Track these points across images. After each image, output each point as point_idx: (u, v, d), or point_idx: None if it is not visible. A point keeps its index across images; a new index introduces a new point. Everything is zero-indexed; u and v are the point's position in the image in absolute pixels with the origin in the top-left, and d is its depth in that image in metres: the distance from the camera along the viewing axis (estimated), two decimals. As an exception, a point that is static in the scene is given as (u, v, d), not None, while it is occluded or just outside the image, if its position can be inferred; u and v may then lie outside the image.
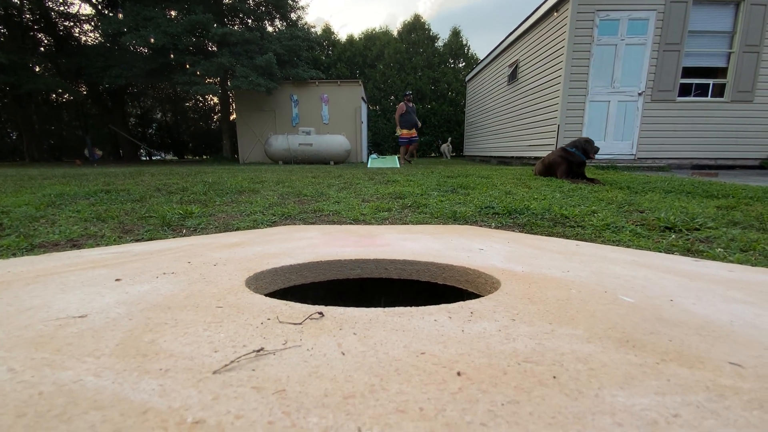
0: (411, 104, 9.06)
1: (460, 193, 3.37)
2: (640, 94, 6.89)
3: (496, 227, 2.11)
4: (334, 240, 1.11)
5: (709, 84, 7.03)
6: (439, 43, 21.81)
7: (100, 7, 15.90)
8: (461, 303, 0.54)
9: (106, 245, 1.73)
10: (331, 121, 13.36)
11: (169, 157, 25.47)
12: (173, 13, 13.69)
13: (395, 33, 21.86)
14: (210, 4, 13.55)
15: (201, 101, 24.57)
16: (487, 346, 0.40)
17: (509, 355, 0.38)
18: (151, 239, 1.87)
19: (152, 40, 12.12)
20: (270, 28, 15.71)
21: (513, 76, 9.41)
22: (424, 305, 0.53)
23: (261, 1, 14.99)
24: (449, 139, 18.00)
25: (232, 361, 0.36)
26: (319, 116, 13.40)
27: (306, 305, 0.53)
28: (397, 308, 0.52)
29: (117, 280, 0.67)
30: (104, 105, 17.90)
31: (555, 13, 7.14)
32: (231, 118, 16.94)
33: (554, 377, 0.33)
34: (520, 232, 1.96)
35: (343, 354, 0.38)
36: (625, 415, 0.28)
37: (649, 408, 0.29)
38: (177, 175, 5.63)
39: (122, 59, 13.25)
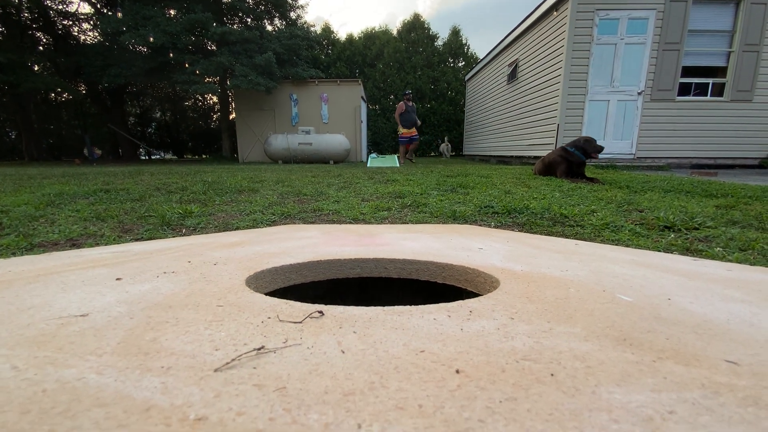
0: (411, 103, 9.05)
1: (459, 193, 3.37)
2: (639, 94, 6.90)
3: (496, 226, 2.11)
4: (334, 239, 1.11)
5: (708, 83, 7.04)
6: (439, 43, 21.81)
7: (99, 5, 15.87)
8: (460, 302, 0.55)
9: (106, 245, 1.74)
10: (330, 120, 13.36)
11: (168, 156, 25.45)
12: (172, 12, 13.67)
13: (395, 32, 21.86)
14: (209, 3, 13.54)
15: (200, 100, 24.55)
16: (485, 344, 0.40)
17: (507, 353, 0.38)
18: (150, 239, 1.87)
19: (151, 39, 12.11)
20: (269, 27, 15.70)
21: (513, 76, 9.41)
22: (424, 304, 0.54)
23: (260, 0, 14.97)
24: (446, 138, 18.01)
25: (233, 359, 0.36)
26: (319, 115, 13.39)
27: (306, 304, 0.53)
28: (396, 307, 0.52)
29: (117, 279, 0.68)
30: (103, 104, 17.88)
31: (555, 12, 7.14)
32: (230, 117, 16.93)
33: (552, 375, 0.34)
34: (519, 231, 1.97)
35: (343, 352, 0.38)
36: (621, 412, 0.28)
37: (645, 405, 0.29)
38: (176, 175, 5.63)
39: (121, 58, 13.23)
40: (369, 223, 2.21)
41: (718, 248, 1.60)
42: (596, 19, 6.64)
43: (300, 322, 0.47)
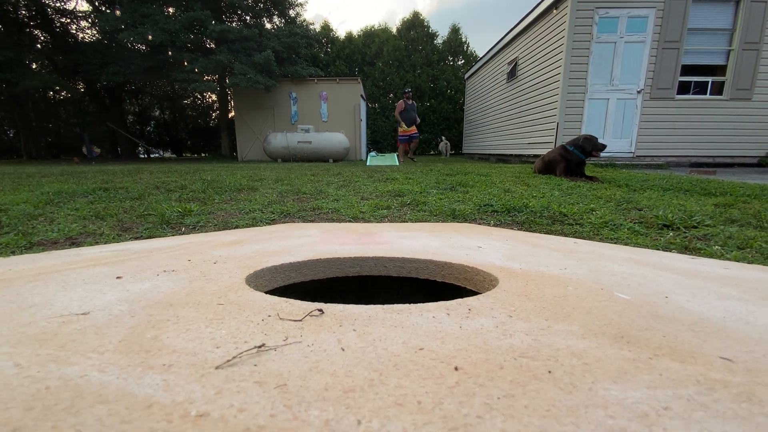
0: (410, 101, 9.04)
1: (459, 191, 3.37)
2: (639, 92, 6.90)
3: (495, 225, 2.12)
4: (334, 238, 1.12)
5: (707, 82, 7.04)
6: (438, 41, 21.77)
7: (97, 3, 15.81)
8: (459, 300, 0.55)
9: (105, 243, 1.74)
10: (330, 118, 13.35)
11: (167, 154, 25.41)
12: (171, 9, 13.63)
13: (394, 30, 21.82)
14: (208, 0, 13.49)
15: (199, 99, 24.50)
16: (484, 341, 0.41)
17: (506, 350, 0.39)
18: (150, 237, 1.87)
19: (150, 37, 12.07)
20: (268, 25, 15.65)
21: (512, 74, 9.41)
22: (423, 302, 0.54)
23: (259, -2, 14.94)
24: (443, 137, 18.01)
25: (234, 357, 0.37)
26: (318, 114, 13.38)
27: (306, 302, 0.54)
28: (396, 305, 0.53)
29: (118, 277, 0.68)
30: (102, 102, 17.83)
31: (554, 11, 7.13)
32: (229, 115, 16.89)
33: (549, 372, 0.34)
34: (518, 229, 1.97)
35: (343, 350, 0.39)
36: (617, 408, 0.28)
37: (641, 401, 0.29)
38: (176, 173, 5.62)
39: (120, 56, 13.20)
40: (368, 221, 2.21)
41: (717, 246, 1.60)
42: (596, 18, 6.64)
43: (300, 320, 0.47)
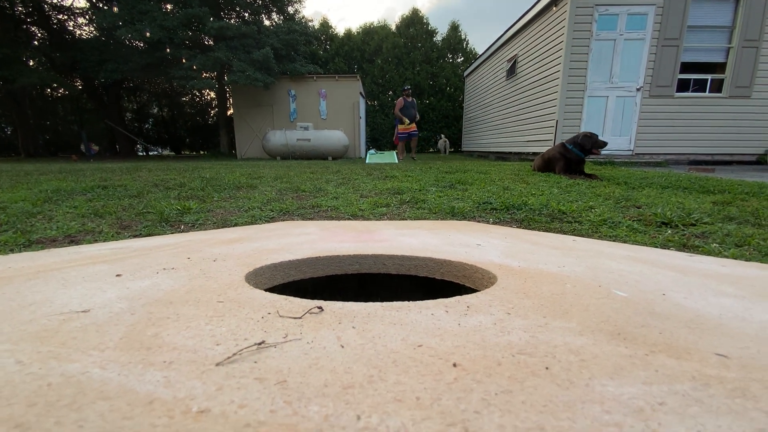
0: (410, 99, 9.01)
1: (458, 189, 3.38)
2: (638, 90, 6.90)
3: (494, 223, 2.12)
4: (333, 235, 1.12)
5: (707, 79, 7.04)
6: (438, 38, 21.69)
7: (94, 0, 15.71)
8: (458, 297, 0.55)
9: (105, 241, 1.74)
10: (329, 116, 13.32)
11: (166, 152, 25.34)
12: (169, 6, 13.55)
13: (393, 27, 21.73)
14: (206, -3, 13.42)
15: (198, 96, 24.41)
16: (482, 338, 0.41)
17: (504, 347, 0.39)
18: (149, 235, 1.87)
19: (148, 33, 12.01)
20: (267, 22, 15.58)
21: (512, 71, 9.39)
22: (422, 300, 0.54)
23: (258, -5, 14.86)
24: (442, 135, 17.98)
25: (234, 354, 0.37)
26: (317, 111, 13.34)
27: (305, 300, 0.54)
28: (395, 303, 0.53)
29: (117, 275, 0.68)
30: (100, 100, 17.76)
31: (554, 8, 7.11)
32: (228, 113, 16.84)
33: (547, 368, 0.34)
34: (517, 227, 1.97)
35: (343, 347, 0.39)
36: (613, 404, 0.29)
37: (637, 397, 0.30)
38: (174, 171, 5.61)
39: (118, 53, 13.13)
40: (367, 219, 2.21)
41: (715, 244, 1.61)
42: (595, 15, 6.62)
43: (300, 318, 0.47)
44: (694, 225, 1.94)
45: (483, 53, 11.91)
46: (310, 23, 16.33)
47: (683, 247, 1.60)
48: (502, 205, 2.49)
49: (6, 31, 13.94)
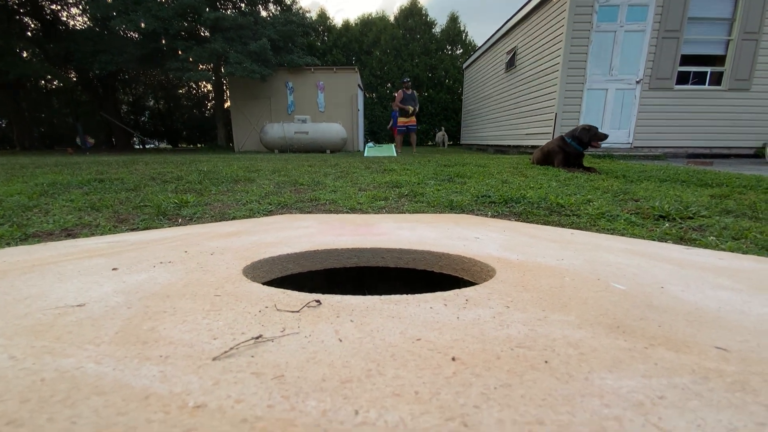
0: (410, 91, 8.93)
1: (456, 182, 3.37)
2: (638, 82, 6.87)
3: (493, 216, 2.12)
4: (331, 229, 1.11)
5: (706, 72, 7.01)
6: (437, 29, 21.49)
7: (88, -11, 15.44)
8: (456, 291, 0.55)
9: (102, 235, 1.73)
10: (327, 108, 13.22)
11: (162, 145, 25.16)
12: (164, -4, 13.33)
13: (392, 18, 21.50)
14: (202, -13, 13.20)
15: (194, 88, 24.16)
16: (481, 332, 0.41)
17: (503, 340, 0.39)
18: (146, 228, 1.86)
19: (143, 24, 11.83)
20: (264, 13, 15.37)
21: (511, 64, 9.32)
22: (421, 293, 0.54)
23: (254, -15, 14.63)
24: (443, 128, 17.90)
25: (231, 348, 0.37)
26: (315, 104, 13.24)
27: (303, 293, 0.54)
28: (393, 296, 0.53)
29: (114, 269, 0.68)
30: (95, 92, 17.56)
31: (554, -1, 7.04)
32: (225, 105, 16.70)
33: (546, 362, 0.34)
34: (516, 220, 1.97)
35: (341, 340, 0.39)
36: (612, 397, 0.29)
37: (636, 390, 0.30)
38: (171, 164, 5.58)
39: (112, 44, 12.95)
40: (366, 212, 2.20)
41: (712, 237, 1.61)
42: (596, 6, 6.56)
43: (297, 311, 0.47)
44: (692, 218, 1.94)
45: (482, 45, 11.81)
46: (307, 14, 16.11)
47: (680, 240, 1.60)
48: (501, 198, 2.48)
49: (-1, 21, 13.72)
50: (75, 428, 0.24)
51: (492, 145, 10.99)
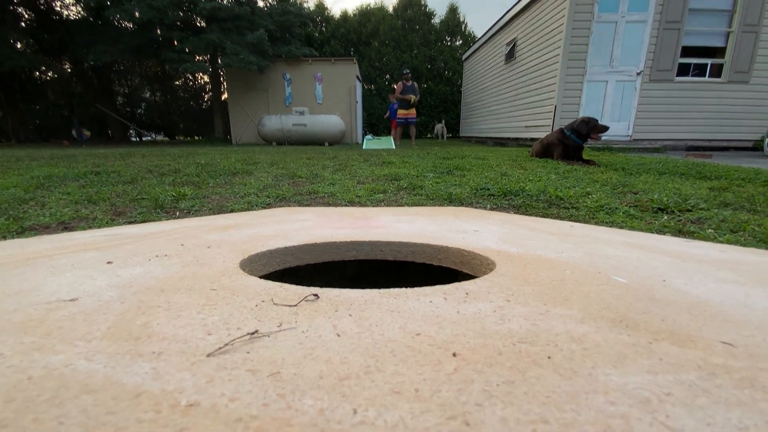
0: (410, 83, 8.83)
1: (455, 175, 3.35)
2: (638, 74, 6.81)
3: (492, 209, 2.11)
4: (330, 222, 1.10)
5: (707, 64, 6.96)
6: (436, 20, 21.26)
7: (81, -22, 15.16)
8: (456, 284, 0.54)
9: (99, 228, 1.71)
10: (325, 100, 13.11)
11: (159, 138, 24.96)
12: (159, -15, 13.10)
13: (391, 9, 21.23)
14: (197, -24, 12.97)
15: (191, 80, 23.92)
16: (482, 326, 0.40)
17: (504, 335, 0.38)
18: (144, 221, 1.84)
19: (137, 14, 11.65)
20: (261, 3, 15.14)
21: (510, 55, 9.24)
22: (420, 286, 0.53)
23: (251, -26, 14.37)
24: (443, 120, 17.79)
25: (226, 344, 0.36)
26: (313, 95, 13.13)
27: (301, 287, 0.53)
28: (392, 290, 0.52)
29: (109, 263, 0.66)
30: (90, 83, 17.36)
31: (555, -11, 6.95)
32: (223, 97, 16.54)
33: (549, 357, 0.33)
34: (515, 213, 1.96)
35: (339, 336, 0.38)
36: (618, 394, 0.28)
37: (642, 387, 0.29)
38: (169, 157, 5.54)
39: (106, 35, 12.76)
40: (365, 205, 2.19)
41: (710, 230, 1.61)
42: (597, -4, 6.48)
43: (295, 306, 0.46)
44: (690, 211, 1.94)
45: (482, 36, 11.68)
46: (305, 4, 15.91)
47: (679, 232, 1.60)
48: (500, 191, 2.47)
49: (-9, 11, 13.48)
50: (62, 429, 0.23)
51: (491, 138, 10.94)
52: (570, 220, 1.79)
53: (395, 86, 8.99)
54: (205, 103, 24.61)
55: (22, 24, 15.35)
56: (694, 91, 6.93)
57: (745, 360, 0.33)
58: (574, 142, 4.21)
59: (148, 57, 14.29)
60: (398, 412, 0.26)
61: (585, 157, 4.43)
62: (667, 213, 1.92)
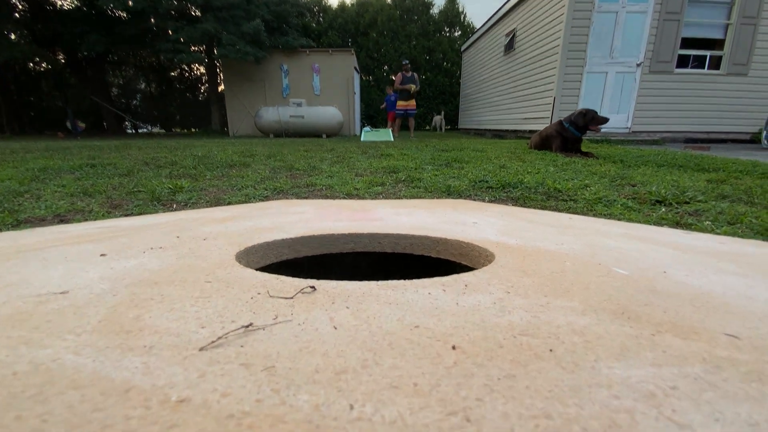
0: (409, 73, 8.73)
1: (454, 167, 3.34)
2: (638, 65, 6.77)
3: (490, 201, 2.10)
4: (328, 214, 1.09)
5: (706, 56, 6.91)
6: (435, 10, 21.01)
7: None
8: (455, 276, 0.53)
9: (95, 220, 1.70)
10: (322, 91, 12.98)
11: (156, 130, 24.73)
12: (152, -27, 12.85)
13: (389, -1, 20.94)
14: (192, -36, 12.75)
15: (187, 71, 23.62)
16: (482, 319, 0.39)
17: (504, 328, 0.37)
18: (140, 214, 1.83)
19: (130, 3, 11.45)
20: (257, -8, 14.89)
21: (510, 46, 9.15)
22: (418, 278, 0.52)
23: (246, -38, 14.11)
24: (442, 112, 17.67)
25: (219, 338, 0.35)
26: (310, 87, 12.99)
27: (298, 279, 0.52)
28: (390, 281, 0.51)
29: (102, 255, 0.65)
30: (84, 74, 17.12)
31: (555, -22, 6.86)
32: (219, 89, 16.36)
33: (550, 350, 0.33)
34: (513, 205, 1.96)
35: (336, 328, 0.37)
36: (621, 388, 0.27)
37: (646, 380, 0.28)
38: (165, 149, 5.48)
39: (100, 24, 12.55)
40: (363, 198, 2.18)
41: (708, 222, 1.61)
42: (598, -14, 6.41)
43: (291, 298, 0.45)
44: (688, 203, 1.94)
45: (481, 27, 11.56)
46: (301, -6, 15.66)
47: (676, 225, 1.60)
48: (498, 183, 2.46)
49: (-18, 1, 13.21)
50: (45, 427, 0.22)
51: (490, 130, 10.89)
52: (568, 213, 1.78)
53: (394, 77, 8.89)
54: (201, 95, 24.35)
55: (16, 15, 15.07)
56: (693, 83, 6.90)
57: (750, 352, 0.32)
58: (573, 134, 4.19)
59: (143, 47, 14.08)
60: (396, 407, 0.25)
61: (584, 149, 4.41)
62: (665, 205, 1.92)
